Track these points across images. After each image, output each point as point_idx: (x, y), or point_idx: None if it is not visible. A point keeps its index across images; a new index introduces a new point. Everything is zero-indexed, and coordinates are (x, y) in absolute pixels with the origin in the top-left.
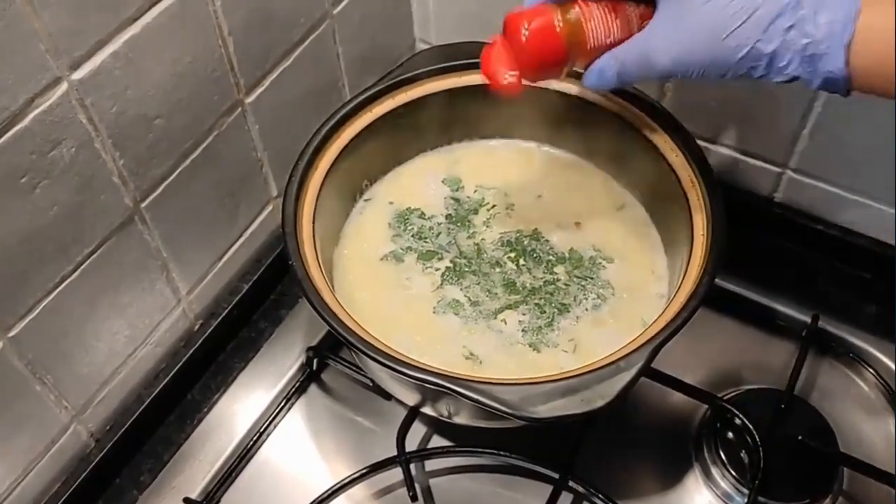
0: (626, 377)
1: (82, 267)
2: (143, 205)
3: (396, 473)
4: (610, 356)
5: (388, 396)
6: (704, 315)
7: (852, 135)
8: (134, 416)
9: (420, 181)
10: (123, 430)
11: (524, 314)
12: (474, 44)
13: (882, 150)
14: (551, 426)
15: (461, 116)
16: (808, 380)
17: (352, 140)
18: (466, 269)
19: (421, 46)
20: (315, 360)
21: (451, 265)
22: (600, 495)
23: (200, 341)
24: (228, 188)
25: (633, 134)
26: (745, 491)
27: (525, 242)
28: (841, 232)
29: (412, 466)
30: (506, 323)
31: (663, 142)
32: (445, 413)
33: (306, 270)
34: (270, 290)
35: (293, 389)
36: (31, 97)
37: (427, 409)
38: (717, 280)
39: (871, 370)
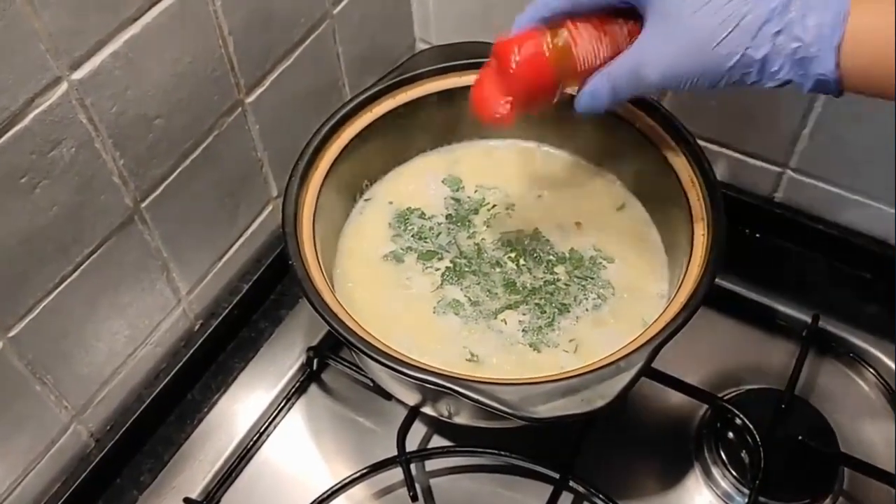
0: (626, 377)
1: (82, 267)
2: (144, 205)
3: (397, 473)
4: (610, 356)
5: (388, 396)
6: (705, 315)
7: (852, 134)
8: (134, 416)
9: (420, 181)
10: (123, 430)
11: (524, 314)
12: (474, 44)
13: (882, 149)
14: (552, 426)
15: (461, 116)
16: (809, 380)
17: (352, 140)
18: (467, 269)
19: (421, 46)
20: (315, 360)
21: (451, 265)
22: (601, 495)
23: (200, 341)
24: (228, 188)
25: (633, 134)
26: (746, 491)
27: (525, 242)
28: (841, 232)
29: (412, 466)
30: (506, 323)
31: (664, 142)
32: (446, 413)
33: (306, 270)
34: (270, 290)
35: (293, 389)
36: (32, 97)
37: (427, 409)
38: (717, 280)
39: (871, 370)
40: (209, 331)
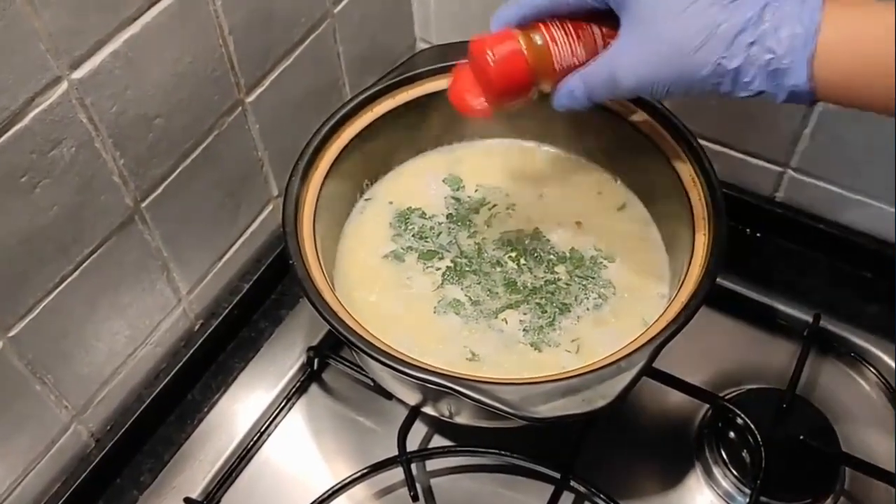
0: (627, 377)
1: (82, 267)
2: (144, 204)
3: (397, 473)
4: (611, 356)
5: (388, 396)
6: (706, 315)
7: (853, 134)
8: (134, 416)
9: (421, 181)
10: (124, 430)
11: (525, 314)
12: None
13: (883, 149)
14: (552, 426)
15: (462, 116)
16: (810, 379)
17: (352, 139)
18: (467, 269)
19: (421, 46)
20: (316, 360)
21: (451, 265)
22: (601, 495)
23: (201, 341)
24: (229, 188)
25: (634, 133)
26: (747, 491)
27: (526, 242)
28: (842, 231)
29: (413, 466)
30: (507, 322)
31: (664, 141)
32: (446, 413)
33: (307, 270)
34: (271, 290)
35: (294, 389)
36: (32, 96)
37: (428, 409)
38: (718, 279)
39: (872, 369)
40: (209, 331)
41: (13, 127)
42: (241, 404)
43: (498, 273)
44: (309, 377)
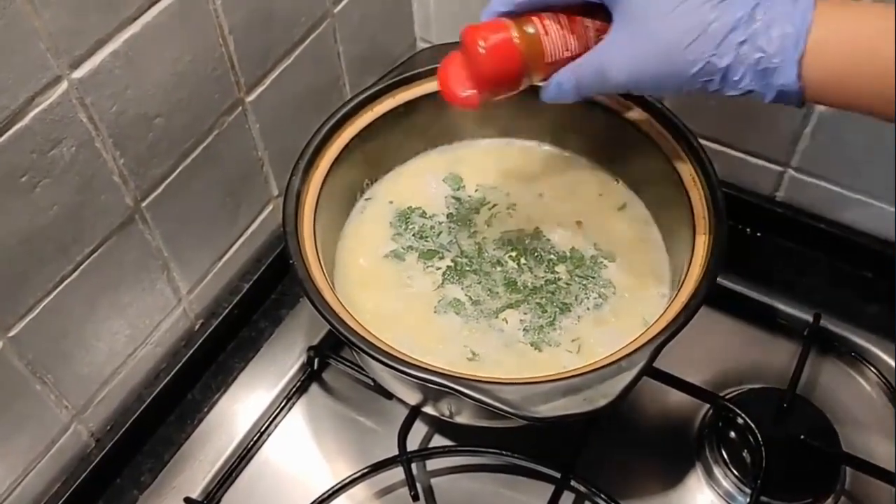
0: (628, 376)
1: (82, 266)
2: (144, 204)
3: (398, 473)
4: (612, 355)
5: (389, 396)
6: (706, 314)
7: (854, 134)
8: (134, 416)
9: (421, 180)
10: (124, 429)
11: (525, 313)
12: None
13: (883, 149)
14: (553, 426)
15: (462, 115)
16: (810, 379)
17: (352, 139)
18: (467, 269)
19: (421, 45)
20: (316, 360)
21: (452, 264)
22: (602, 495)
23: (201, 341)
24: (229, 187)
25: (634, 133)
26: (748, 490)
27: (526, 241)
28: (842, 231)
29: (413, 466)
30: (507, 322)
31: (665, 141)
32: (447, 412)
33: (307, 270)
34: (271, 290)
35: (294, 389)
36: (32, 96)
37: (428, 409)
38: (718, 279)
39: (872, 369)
40: (209, 330)
41: (13, 126)
42: (241, 404)
43: (498, 273)
44: (309, 377)
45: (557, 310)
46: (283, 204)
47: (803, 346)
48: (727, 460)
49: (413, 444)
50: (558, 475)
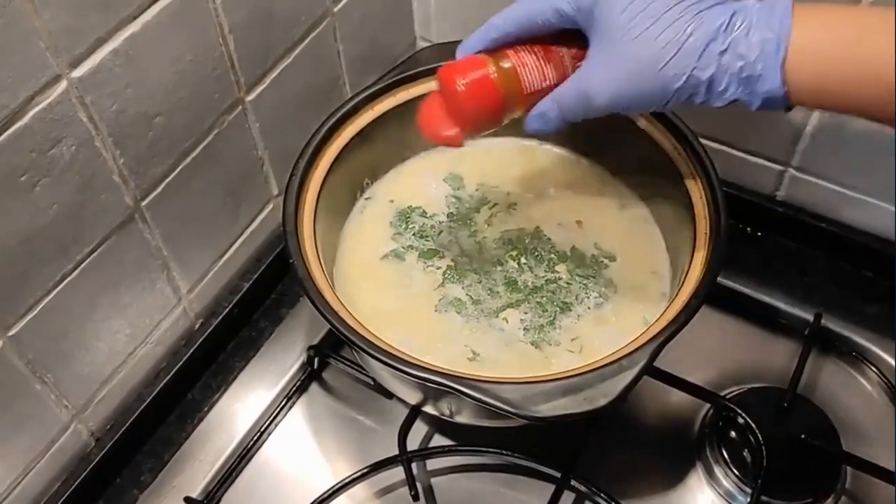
0: (628, 376)
1: (82, 266)
2: (144, 203)
3: (398, 473)
4: (612, 355)
5: (389, 395)
6: (707, 313)
7: (854, 133)
8: (134, 416)
9: (421, 179)
10: (124, 429)
11: (526, 313)
12: None
13: (884, 148)
14: (553, 425)
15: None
16: (811, 378)
17: (353, 138)
18: (468, 268)
19: (421, 44)
20: (316, 359)
21: (452, 264)
22: (602, 494)
23: (201, 340)
24: (229, 187)
25: (635, 133)
26: (748, 490)
27: (527, 241)
28: (843, 230)
29: (414, 465)
30: (507, 321)
31: (665, 140)
32: (447, 412)
33: (307, 269)
34: (271, 289)
35: (294, 388)
36: (31, 95)
37: (429, 408)
38: (719, 278)
39: (873, 368)
40: (209, 330)
41: (13, 126)
42: (242, 404)
43: (499, 272)
44: (309, 376)
45: (558, 309)
46: (283, 203)
47: (804, 346)
48: (728, 460)
49: (413, 443)
50: (558, 475)
